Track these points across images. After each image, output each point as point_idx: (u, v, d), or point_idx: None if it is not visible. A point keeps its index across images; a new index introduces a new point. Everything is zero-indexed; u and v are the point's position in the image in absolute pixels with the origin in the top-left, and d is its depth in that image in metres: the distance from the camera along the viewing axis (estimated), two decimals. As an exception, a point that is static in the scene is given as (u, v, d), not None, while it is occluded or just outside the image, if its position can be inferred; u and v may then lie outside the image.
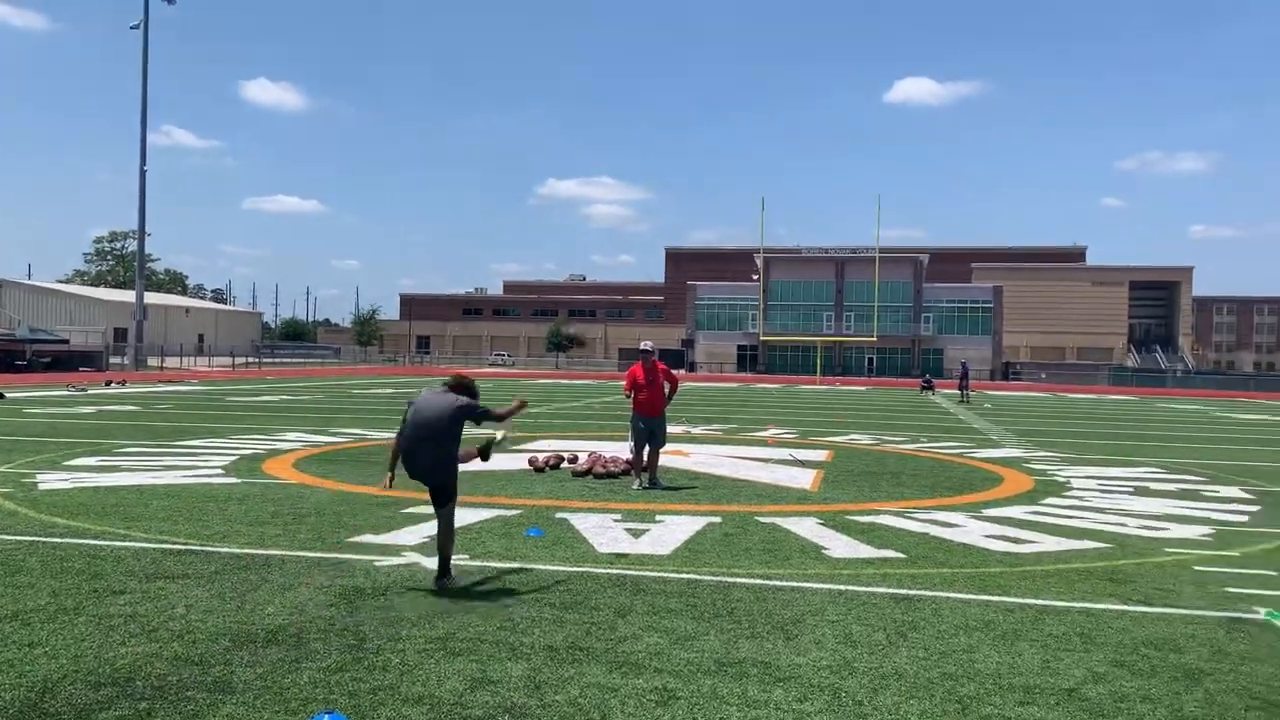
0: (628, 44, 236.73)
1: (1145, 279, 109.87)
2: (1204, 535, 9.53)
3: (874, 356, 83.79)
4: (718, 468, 14.16)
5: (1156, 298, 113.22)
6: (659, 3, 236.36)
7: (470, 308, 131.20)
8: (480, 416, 6.86)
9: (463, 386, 7.00)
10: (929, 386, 48.61)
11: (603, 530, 8.95)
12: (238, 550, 7.72)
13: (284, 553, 7.68)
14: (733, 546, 8.36)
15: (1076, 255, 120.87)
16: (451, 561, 6.90)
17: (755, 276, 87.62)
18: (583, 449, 15.44)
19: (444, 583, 6.71)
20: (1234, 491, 13.04)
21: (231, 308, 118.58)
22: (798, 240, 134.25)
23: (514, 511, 9.86)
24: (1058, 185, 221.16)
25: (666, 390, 12.30)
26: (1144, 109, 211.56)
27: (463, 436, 6.87)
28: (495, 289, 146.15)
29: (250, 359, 72.88)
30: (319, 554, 7.67)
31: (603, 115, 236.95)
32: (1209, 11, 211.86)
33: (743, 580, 7.15)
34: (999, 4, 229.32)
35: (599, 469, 12.73)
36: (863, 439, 20.00)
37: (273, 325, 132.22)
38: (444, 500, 6.83)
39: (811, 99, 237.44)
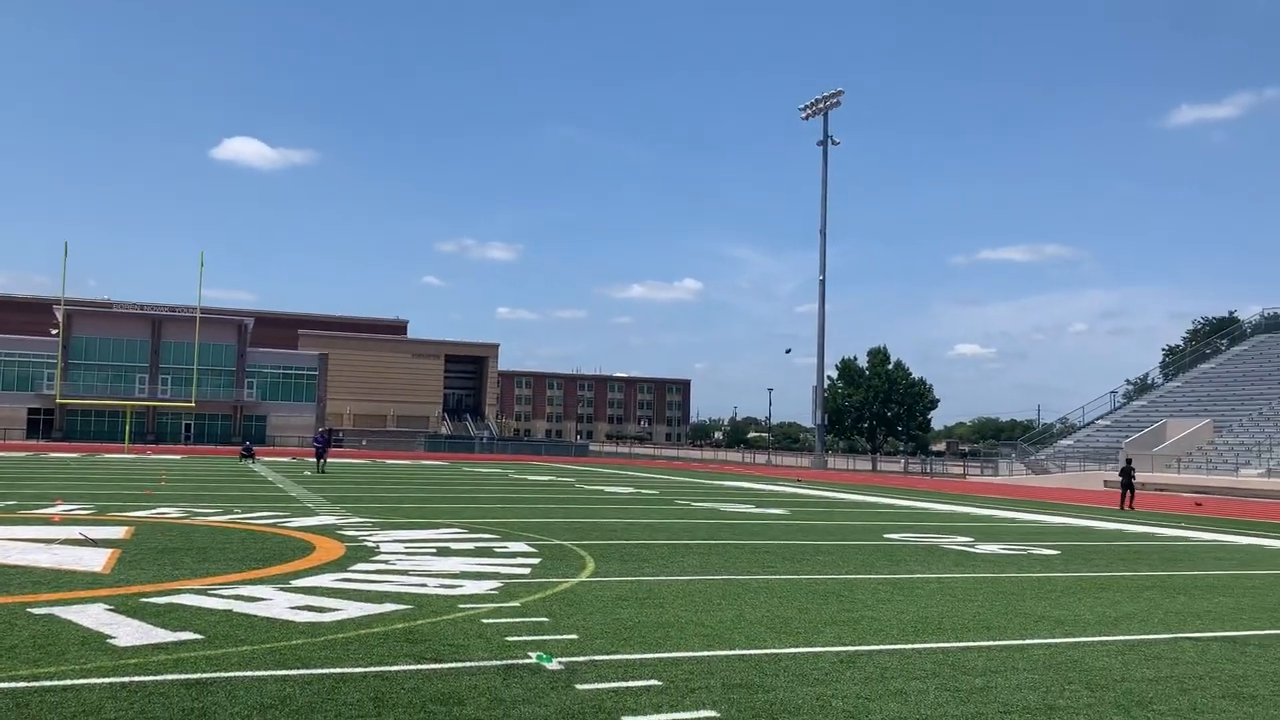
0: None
1: (459, 353, 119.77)
2: (492, 589, 10.45)
3: (192, 423, 79.25)
4: (-15, 553, 12.10)
5: (468, 370, 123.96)
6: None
7: None
8: None
9: None
10: (249, 454, 47.30)
11: None
12: None
13: None
14: (-8, 646, 7.15)
15: (399, 328, 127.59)
16: None
17: (54, 330, 77.80)
18: None
19: None
20: (521, 546, 14.57)
21: None
22: (110, 294, 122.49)
23: None
24: (384, 260, 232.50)
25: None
26: (462, 199, 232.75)
27: None
28: None
29: None
30: None
31: None
32: (516, 122, 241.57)
33: (1, 685, 6.13)
34: (330, 81, 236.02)
35: None
36: (171, 512, 18.62)
37: None
38: None
39: (131, 143, 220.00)
